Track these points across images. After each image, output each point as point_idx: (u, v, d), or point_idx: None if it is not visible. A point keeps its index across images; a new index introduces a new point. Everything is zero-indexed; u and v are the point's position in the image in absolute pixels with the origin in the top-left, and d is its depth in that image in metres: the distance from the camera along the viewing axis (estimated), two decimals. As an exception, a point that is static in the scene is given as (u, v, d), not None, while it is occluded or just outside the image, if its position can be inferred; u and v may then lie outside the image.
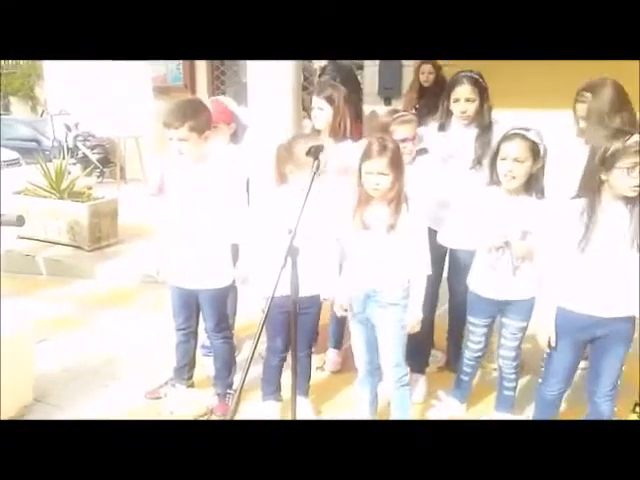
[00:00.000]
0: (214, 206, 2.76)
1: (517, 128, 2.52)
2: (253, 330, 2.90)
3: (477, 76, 2.90)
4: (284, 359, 2.85)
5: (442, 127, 3.03)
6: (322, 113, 3.09)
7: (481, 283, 2.71)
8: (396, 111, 2.99)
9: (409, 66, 6.48)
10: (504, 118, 2.95)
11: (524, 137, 2.47)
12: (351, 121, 3.14)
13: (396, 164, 2.42)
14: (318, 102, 3.09)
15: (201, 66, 7.79)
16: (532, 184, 2.53)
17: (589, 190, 2.23)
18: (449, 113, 2.98)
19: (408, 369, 2.64)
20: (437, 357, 3.44)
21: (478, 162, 2.91)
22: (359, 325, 2.64)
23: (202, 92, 7.80)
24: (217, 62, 7.79)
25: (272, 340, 2.84)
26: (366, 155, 2.44)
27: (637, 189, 2.13)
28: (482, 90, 2.89)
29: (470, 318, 2.82)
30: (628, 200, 2.18)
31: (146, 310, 4.18)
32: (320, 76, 6.61)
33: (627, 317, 2.30)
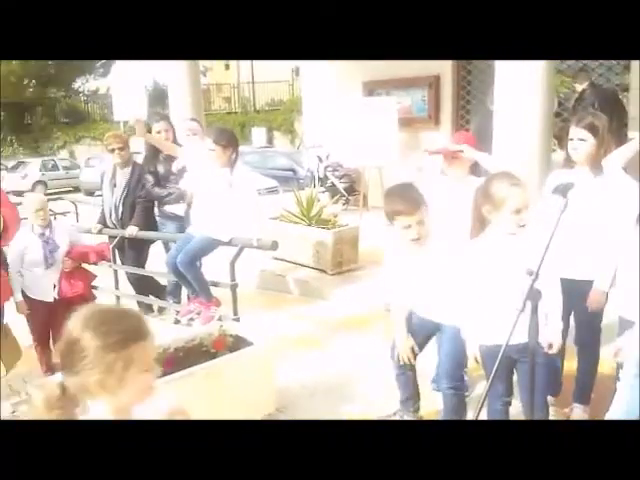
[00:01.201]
0: (447, 240, 2.70)
1: None
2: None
3: None
4: (507, 404, 2.68)
5: None
6: (583, 145, 2.80)
7: None
8: None
9: (688, 85, 5.65)
10: None
11: None
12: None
13: None
14: (578, 133, 2.81)
15: (446, 96, 7.80)
16: None
17: None
18: None
19: None
20: None
21: None
22: (626, 390, 2.30)
23: (446, 122, 7.80)
24: (463, 91, 7.72)
25: (492, 384, 2.66)
26: None
27: None
28: None
29: None
30: None
31: (377, 337, 4.24)
32: (577, 101, 6.10)
33: None
